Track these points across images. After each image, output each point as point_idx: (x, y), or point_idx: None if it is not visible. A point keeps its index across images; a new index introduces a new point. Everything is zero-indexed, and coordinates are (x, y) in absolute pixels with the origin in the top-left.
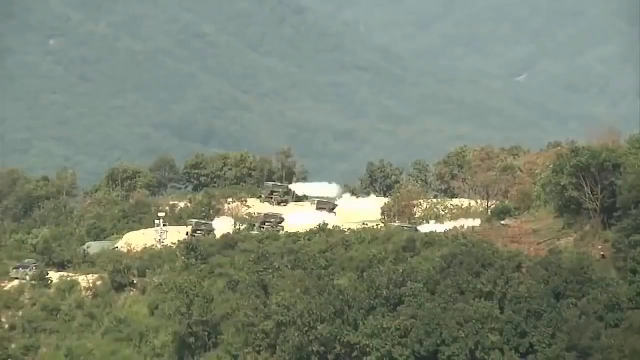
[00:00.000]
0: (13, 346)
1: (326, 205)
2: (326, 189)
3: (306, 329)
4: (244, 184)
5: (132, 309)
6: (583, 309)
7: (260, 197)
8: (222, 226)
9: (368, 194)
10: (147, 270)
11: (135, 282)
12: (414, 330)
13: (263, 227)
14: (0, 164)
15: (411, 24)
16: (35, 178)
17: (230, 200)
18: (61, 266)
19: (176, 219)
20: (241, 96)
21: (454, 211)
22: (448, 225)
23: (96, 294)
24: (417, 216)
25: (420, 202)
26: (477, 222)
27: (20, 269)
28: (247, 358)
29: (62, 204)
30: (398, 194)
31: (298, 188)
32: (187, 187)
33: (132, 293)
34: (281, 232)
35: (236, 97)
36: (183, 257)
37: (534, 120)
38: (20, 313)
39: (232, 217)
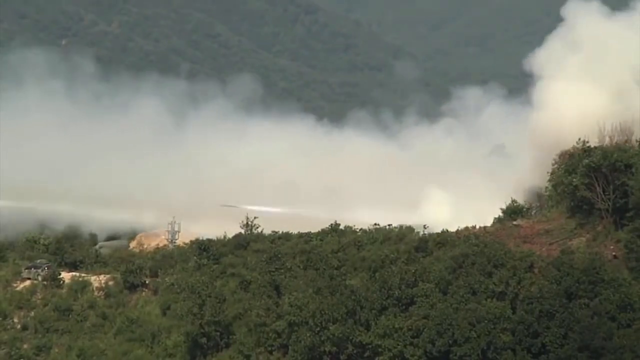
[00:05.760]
0: (25, 346)
1: None
2: None
3: (318, 329)
4: None
5: (144, 309)
6: (595, 309)
7: None
8: None
9: None
10: (159, 270)
11: (147, 282)
12: (426, 330)
13: None
14: None
15: (423, 23)
16: None
17: None
18: (73, 266)
19: None
20: None
21: None
22: None
23: (108, 294)
24: None
25: None
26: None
27: (32, 269)
28: (259, 358)
29: None
30: None
31: None
32: None
33: (144, 293)
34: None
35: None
36: (195, 257)
37: None
38: (32, 313)
39: None
